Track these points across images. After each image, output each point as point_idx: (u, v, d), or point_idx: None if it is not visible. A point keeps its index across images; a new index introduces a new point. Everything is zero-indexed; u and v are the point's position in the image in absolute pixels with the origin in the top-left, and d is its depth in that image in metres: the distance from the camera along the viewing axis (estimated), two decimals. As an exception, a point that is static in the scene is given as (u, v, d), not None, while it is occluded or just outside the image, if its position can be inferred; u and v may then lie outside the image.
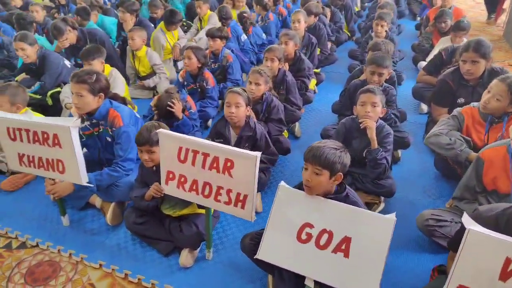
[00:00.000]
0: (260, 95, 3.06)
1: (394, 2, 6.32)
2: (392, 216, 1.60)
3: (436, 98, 3.26)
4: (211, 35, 3.97)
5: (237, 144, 2.71)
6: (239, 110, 2.57)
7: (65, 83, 3.82)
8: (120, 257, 2.29)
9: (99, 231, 2.49)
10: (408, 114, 3.81)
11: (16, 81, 3.91)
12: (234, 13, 5.56)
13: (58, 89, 3.77)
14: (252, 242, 1.97)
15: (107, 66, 3.59)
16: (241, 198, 1.90)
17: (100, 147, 2.64)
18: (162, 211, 2.31)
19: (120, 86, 3.54)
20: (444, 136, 2.48)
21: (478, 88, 2.98)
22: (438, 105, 3.24)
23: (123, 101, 2.67)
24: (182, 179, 2.03)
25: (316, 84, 4.43)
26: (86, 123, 2.57)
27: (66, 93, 3.54)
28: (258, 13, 5.76)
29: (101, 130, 2.58)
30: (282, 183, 1.85)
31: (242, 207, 1.92)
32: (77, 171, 2.23)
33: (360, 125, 2.46)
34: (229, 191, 1.92)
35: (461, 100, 3.08)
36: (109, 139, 2.57)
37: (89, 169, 2.59)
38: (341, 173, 1.77)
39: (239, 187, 1.89)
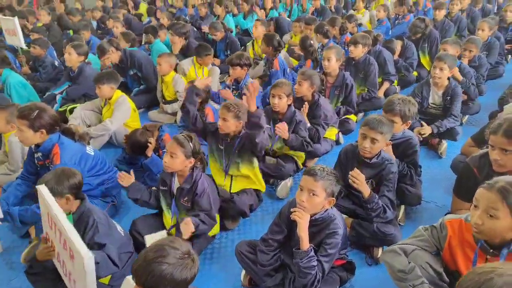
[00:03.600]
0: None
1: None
2: None
3: (457, 188, 2.37)
4: (230, 62, 3.73)
5: (178, 195, 2.43)
6: (173, 160, 2.29)
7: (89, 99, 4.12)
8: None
9: (17, 267, 2.46)
10: (435, 192, 2.94)
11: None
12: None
13: (78, 105, 4.00)
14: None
15: (118, 92, 3.68)
16: (82, 295, 1.61)
17: (50, 178, 2.65)
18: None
19: (121, 111, 3.59)
20: (403, 257, 1.74)
21: (519, 186, 2.05)
22: (459, 197, 2.35)
23: (72, 136, 2.62)
24: (52, 246, 1.83)
25: (345, 133, 3.78)
26: (39, 154, 2.61)
27: (75, 114, 3.73)
28: (319, 42, 5.23)
29: (50, 162, 2.59)
30: None
31: (84, 306, 1.62)
32: (-10, 205, 2.24)
33: (290, 216, 1.91)
34: (74, 281, 1.64)
35: (491, 198, 2.17)
36: (53, 174, 2.56)
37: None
38: None
39: (78, 283, 1.59)
